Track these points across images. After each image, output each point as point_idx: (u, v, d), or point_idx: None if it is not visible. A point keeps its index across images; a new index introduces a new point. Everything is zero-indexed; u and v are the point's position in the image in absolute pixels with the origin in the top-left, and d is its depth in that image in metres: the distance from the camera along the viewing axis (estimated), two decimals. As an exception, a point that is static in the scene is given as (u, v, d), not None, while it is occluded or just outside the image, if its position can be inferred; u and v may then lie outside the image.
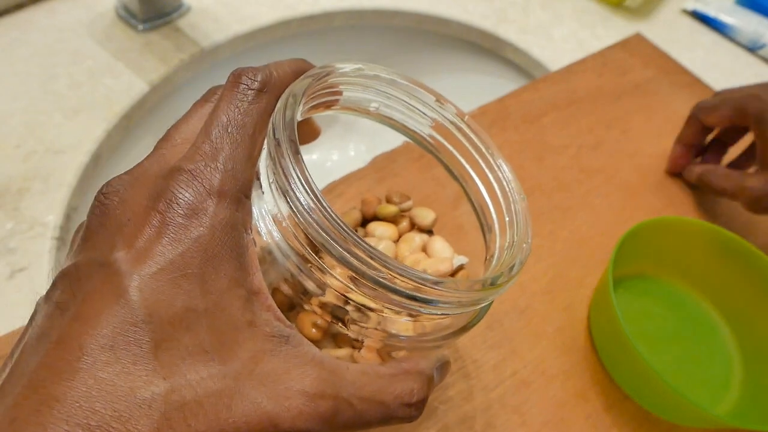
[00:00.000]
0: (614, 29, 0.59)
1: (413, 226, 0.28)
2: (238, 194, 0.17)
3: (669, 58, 0.54)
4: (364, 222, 0.28)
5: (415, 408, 0.19)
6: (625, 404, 0.32)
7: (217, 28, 0.50)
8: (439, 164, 0.27)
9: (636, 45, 0.54)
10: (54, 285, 0.16)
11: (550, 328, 0.34)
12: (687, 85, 0.51)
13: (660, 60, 0.53)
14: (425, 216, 0.28)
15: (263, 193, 0.19)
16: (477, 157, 0.25)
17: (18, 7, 0.49)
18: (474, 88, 0.61)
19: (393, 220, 0.28)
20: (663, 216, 0.34)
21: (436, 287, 0.18)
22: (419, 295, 0.18)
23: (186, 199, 0.16)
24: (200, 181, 0.17)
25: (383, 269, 0.17)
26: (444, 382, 0.31)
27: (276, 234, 0.18)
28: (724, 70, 0.56)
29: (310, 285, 0.19)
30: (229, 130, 0.18)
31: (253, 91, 0.19)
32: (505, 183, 0.24)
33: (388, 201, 0.28)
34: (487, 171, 0.24)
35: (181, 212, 0.16)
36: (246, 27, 0.51)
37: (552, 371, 0.33)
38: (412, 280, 0.17)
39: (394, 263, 0.17)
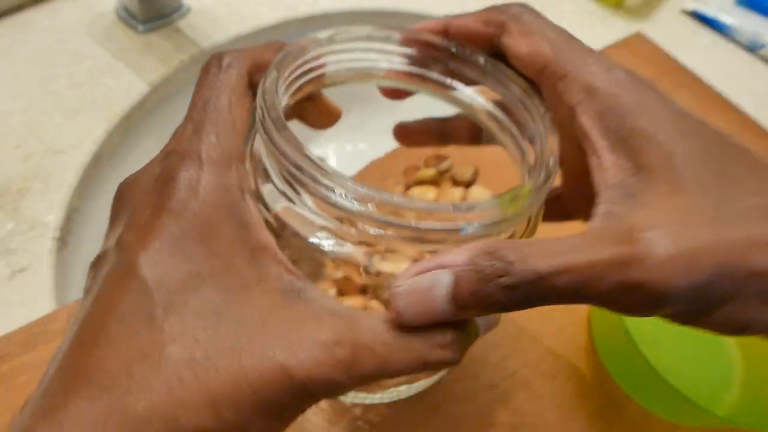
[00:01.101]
0: (614, 29, 0.59)
1: (455, 184, 0.28)
2: (226, 160, 0.18)
3: (670, 58, 0.54)
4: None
5: (452, 349, 0.17)
6: (625, 404, 0.32)
7: (217, 28, 0.50)
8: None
9: (637, 44, 0.54)
10: (87, 276, 0.18)
11: (550, 328, 0.34)
12: (687, 85, 0.51)
13: (661, 59, 0.53)
14: (464, 171, 0.28)
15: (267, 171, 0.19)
16: (493, 84, 0.23)
17: (19, 7, 0.49)
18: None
19: (434, 182, 0.28)
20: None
21: (455, 212, 0.17)
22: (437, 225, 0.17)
23: (178, 175, 0.18)
24: (188, 156, 0.18)
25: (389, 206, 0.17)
26: (444, 381, 0.31)
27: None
28: (724, 70, 0.56)
29: (328, 243, 0.19)
30: (205, 109, 0.19)
31: (218, 69, 0.20)
32: (525, 101, 0.21)
33: (426, 165, 0.28)
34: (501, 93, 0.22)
35: (176, 187, 0.17)
36: (246, 27, 0.51)
37: (552, 371, 0.33)
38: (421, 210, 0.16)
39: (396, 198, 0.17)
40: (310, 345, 0.16)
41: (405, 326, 0.17)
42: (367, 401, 0.30)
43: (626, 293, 0.15)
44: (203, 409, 0.16)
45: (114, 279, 0.17)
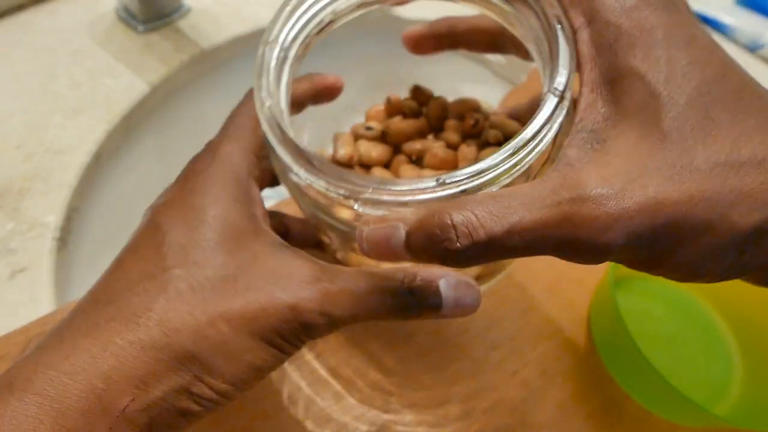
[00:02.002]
0: (614, 29, 0.59)
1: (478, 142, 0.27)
2: (240, 149, 0.23)
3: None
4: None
5: (416, 295, 0.20)
6: (625, 404, 0.32)
7: (218, 29, 0.50)
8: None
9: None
10: None
11: (550, 328, 0.34)
12: (687, 85, 0.51)
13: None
14: (494, 135, 0.26)
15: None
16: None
17: (19, 8, 0.49)
18: (474, 88, 0.61)
19: (415, 114, 0.29)
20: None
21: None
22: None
23: (195, 161, 0.23)
24: (210, 146, 0.23)
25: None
26: (444, 381, 0.31)
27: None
28: (724, 70, 0.56)
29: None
30: (232, 117, 0.24)
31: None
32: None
33: (413, 97, 0.30)
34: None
35: (191, 169, 0.22)
36: (246, 28, 0.51)
37: (552, 371, 0.33)
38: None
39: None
40: (296, 281, 0.19)
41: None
42: None
43: (572, 248, 0.16)
44: (199, 317, 0.19)
45: (137, 230, 0.22)
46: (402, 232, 0.17)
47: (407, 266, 0.20)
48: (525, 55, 0.23)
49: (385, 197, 0.18)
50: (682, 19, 0.18)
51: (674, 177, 0.16)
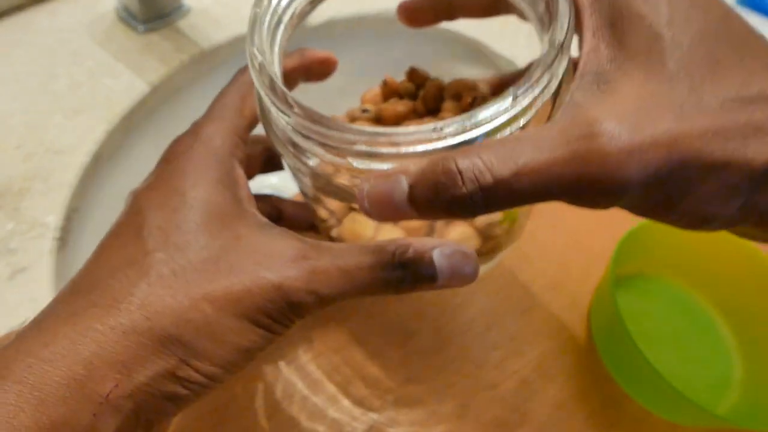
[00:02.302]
0: (614, 29, 0.59)
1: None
2: (223, 129, 0.23)
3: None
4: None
5: (403, 267, 0.19)
6: (625, 404, 0.32)
7: (217, 28, 0.50)
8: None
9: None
10: None
11: (550, 328, 0.34)
12: (687, 85, 0.51)
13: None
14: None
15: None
16: None
17: (19, 8, 0.49)
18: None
19: (411, 95, 0.28)
20: (663, 216, 0.34)
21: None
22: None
23: (182, 139, 0.23)
24: (193, 127, 0.23)
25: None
26: (444, 381, 0.31)
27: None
28: (724, 70, 0.56)
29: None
30: (218, 98, 0.24)
31: (241, 72, 0.25)
32: None
33: (409, 79, 0.29)
34: None
35: (171, 151, 0.22)
36: (246, 28, 0.51)
37: (553, 371, 0.33)
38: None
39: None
40: (281, 260, 0.19)
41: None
42: None
43: (584, 188, 0.15)
44: (182, 300, 0.18)
45: (119, 216, 0.21)
46: (404, 185, 0.16)
47: (399, 238, 0.19)
48: (522, 15, 0.23)
49: (381, 149, 0.17)
50: None
51: (685, 114, 0.15)
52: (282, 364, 0.31)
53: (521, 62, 0.57)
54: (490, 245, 0.26)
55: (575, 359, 0.33)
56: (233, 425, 0.29)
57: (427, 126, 0.17)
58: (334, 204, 0.26)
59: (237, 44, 0.51)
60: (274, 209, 0.27)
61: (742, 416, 0.31)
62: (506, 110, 0.17)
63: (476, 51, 0.62)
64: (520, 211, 0.26)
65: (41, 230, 0.36)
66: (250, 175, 0.25)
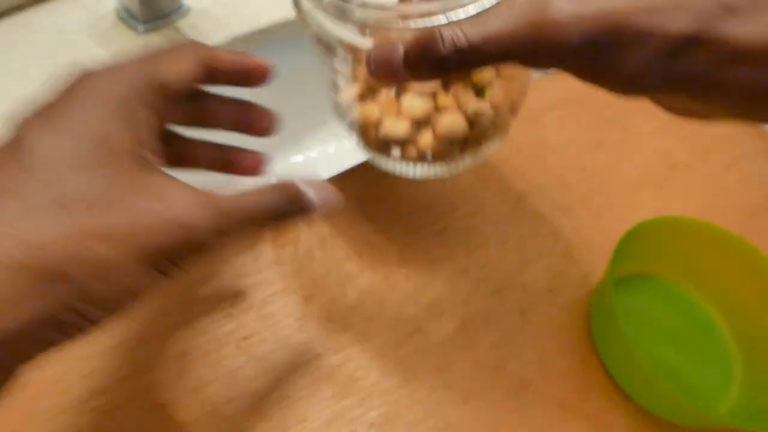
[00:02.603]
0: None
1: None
2: (143, 71, 0.23)
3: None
4: None
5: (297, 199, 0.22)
6: (625, 404, 0.32)
7: (217, 28, 0.50)
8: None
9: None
10: None
11: (550, 328, 0.34)
12: (688, 85, 0.51)
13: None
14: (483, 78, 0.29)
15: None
16: None
17: (19, 7, 0.49)
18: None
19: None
20: (663, 215, 0.34)
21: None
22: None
23: (92, 73, 0.22)
24: (110, 66, 0.23)
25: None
26: (444, 381, 0.31)
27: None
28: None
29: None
30: (149, 52, 0.24)
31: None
32: None
33: None
34: None
35: (83, 78, 0.21)
36: (246, 28, 0.51)
37: (552, 371, 0.33)
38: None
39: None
40: (185, 201, 0.19)
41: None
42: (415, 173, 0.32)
43: (537, 50, 0.19)
44: (67, 234, 0.17)
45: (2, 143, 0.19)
46: (401, 51, 0.21)
47: (285, 180, 0.22)
48: None
49: (393, 23, 0.22)
50: None
51: None
52: (281, 366, 0.31)
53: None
54: (476, 133, 0.29)
55: (575, 359, 0.33)
56: (233, 425, 0.29)
57: (428, 5, 0.22)
58: (349, 93, 0.30)
59: (237, 44, 0.51)
60: (202, 70, 0.25)
61: (741, 416, 0.31)
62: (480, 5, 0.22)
63: None
64: (503, 106, 0.30)
65: (41, 230, 0.37)
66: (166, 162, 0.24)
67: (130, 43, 0.48)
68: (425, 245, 0.37)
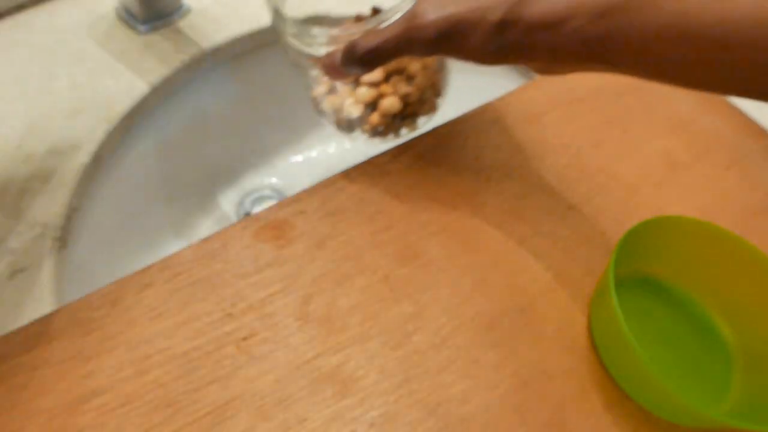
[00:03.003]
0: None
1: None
2: None
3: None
4: None
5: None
6: (625, 404, 0.32)
7: (218, 29, 0.50)
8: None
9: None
10: None
11: (550, 328, 0.34)
12: (688, 85, 0.51)
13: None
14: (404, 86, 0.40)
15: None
16: None
17: (19, 8, 0.49)
18: (475, 87, 0.61)
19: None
20: (663, 215, 0.34)
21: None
22: None
23: None
24: None
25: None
26: (444, 381, 0.31)
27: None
28: (724, 69, 0.56)
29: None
30: None
31: None
32: None
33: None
34: None
35: None
36: (246, 28, 0.51)
37: (552, 371, 0.33)
38: None
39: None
40: None
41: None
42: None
43: (413, 44, 0.30)
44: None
45: None
46: (339, 57, 0.32)
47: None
48: None
49: (338, 36, 0.33)
50: None
51: (457, 2, 0.29)
52: (282, 365, 0.31)
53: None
54: (409, 110, 0.40)
55: (575, 359, 0.33)
56: (234, 425, 0.29)
57: (348, 32, 0.33)
58: (319, 90, 0.40)
59: (237, 44, 0.51)
60: None
61: (742, 417, 0.31)
62: (386, 18, 0.32)
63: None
64: (426, 89, 0.40)
65: (41, 230, 0.37)
66: None
67: (130, 43, 0.48)
68: (425, 245, 0.37)
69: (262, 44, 0.53)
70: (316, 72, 0.39)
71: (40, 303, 0.34)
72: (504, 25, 0.28)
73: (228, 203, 0.59)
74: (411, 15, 0.30)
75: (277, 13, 0.34)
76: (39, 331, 0.31)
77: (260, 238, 0.36)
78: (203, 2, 0.52)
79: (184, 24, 0.50)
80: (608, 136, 0.45)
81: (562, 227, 0.39)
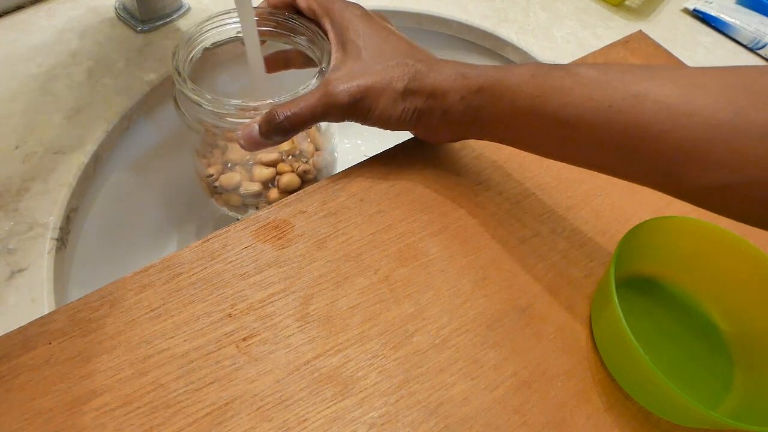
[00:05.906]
0: (615, 29, 0.59)
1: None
2: None
3: (671, 56, 0.54)
4: None
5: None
6: (626, 404, 0.32)
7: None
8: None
9: (638, 43, 0.54)
10: None
11: (550, 328, 0.34)
12: (688, 85, 0.51)
13: (661, 58, 0.53)
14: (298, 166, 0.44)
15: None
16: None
17: (18, 8, 0.49)
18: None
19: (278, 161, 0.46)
20: (664, 216, 0.34)
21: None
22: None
23: None
24: None
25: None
26: (444, 382, 0.31)
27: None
28: (725, 69, 0.56)
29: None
30: None
31: None
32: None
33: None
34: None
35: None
36: (246, 27, 0.51)
37: (553, 371, 0.33)
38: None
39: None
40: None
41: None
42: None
43: (328, 111, 0.34)
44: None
45: None
46: (257, 127, 0.35)
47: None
48: (304, 65, 0.43)
49: (247, 113, 0.36)
50: (375, 21, 0.38)
51: (366, 74, 0.35)
52: (284, 364, 0.31)
53: (528, 48, 0.57)
54: (305, 185, 0.44)
55: (576, 359, 0.33)
56: (234, 425, 0.29)
57: (267, 102, 0.36)
58: (216, 167, 0.44)
59: (237, 44, 0.51)
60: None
61: (742, 417, 0.31)
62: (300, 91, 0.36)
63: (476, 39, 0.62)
64: (321, 167, 0.45)
65: (40, 230, 0.36)
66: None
67: (130, 43, 0.48)
68: (425, 245, 0.37)
69: (262, 44, 0.53)
70: (214, 151, 0.43)
71: (40, 303, 0.34)
72: (407, 92, 0.34)
73: (228, 203, 0.59)
74: (324, 85, 0.34)
75: (181, 78, 0.36)
76: (39, 332, 0.31)
77: (260, 238, 0.36)
78: (203, 2, 0.52)
79: (184, 24, 0.50)
80: (608, 136, 0.45)
81: (562, 227, 0.39)
